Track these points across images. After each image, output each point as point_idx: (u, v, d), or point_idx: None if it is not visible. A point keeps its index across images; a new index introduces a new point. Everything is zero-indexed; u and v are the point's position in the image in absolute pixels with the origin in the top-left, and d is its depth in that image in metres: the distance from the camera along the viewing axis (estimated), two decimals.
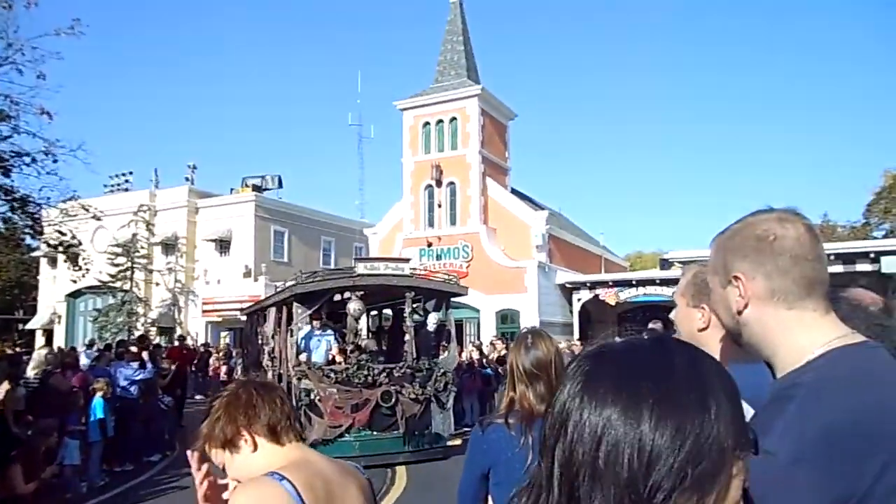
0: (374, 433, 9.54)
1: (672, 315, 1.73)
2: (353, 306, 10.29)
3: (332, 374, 9.63)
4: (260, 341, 12.88)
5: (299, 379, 9.52)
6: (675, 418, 0.61)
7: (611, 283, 23.99)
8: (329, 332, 10.80)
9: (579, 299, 24.14)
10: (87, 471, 8.75)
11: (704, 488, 0.60)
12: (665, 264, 23.83)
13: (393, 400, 9.57)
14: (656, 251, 48.14)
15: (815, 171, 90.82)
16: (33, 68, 14.65)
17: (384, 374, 9.73)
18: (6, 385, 7.52)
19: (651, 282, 22.77)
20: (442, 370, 10.34)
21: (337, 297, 11.20)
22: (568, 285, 24.55)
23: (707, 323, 1.56)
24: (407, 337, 10.48)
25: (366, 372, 9.64)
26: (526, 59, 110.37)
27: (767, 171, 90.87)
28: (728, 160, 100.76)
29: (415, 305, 10.94)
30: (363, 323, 13.14)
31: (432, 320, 11.25)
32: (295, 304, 10.07)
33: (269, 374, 10.80)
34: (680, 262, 19.77)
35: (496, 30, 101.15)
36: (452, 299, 11.56)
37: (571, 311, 24.32)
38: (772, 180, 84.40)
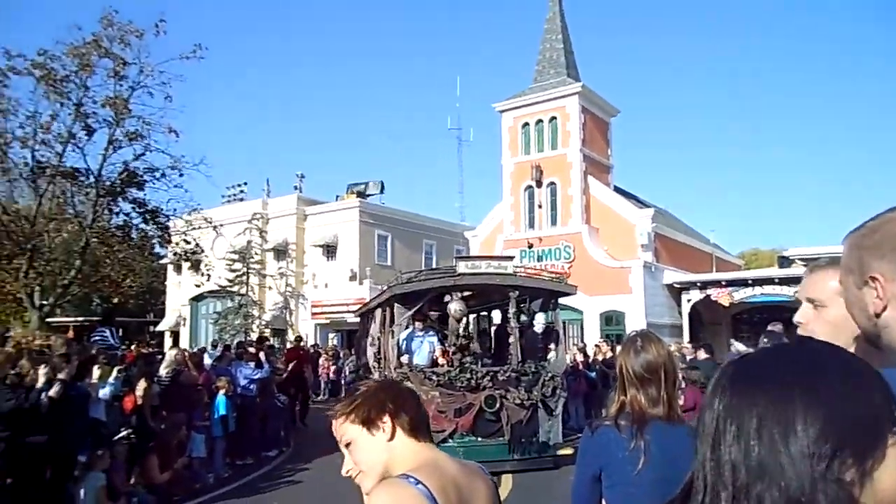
0: (479, 439, 9.21)
1: (797, 316, 1.56)
2: (455, 307, 10.11)
3: (434, 377, 9.43)
4: (369, 343, 13.18)
5: (401, 381, 9.44)
6: (824, 404, 0.67)
7: (724, 283, 22.80)
8: (432, 332, 10.55)
9: (689, 300, 23.11)
10: (212, 463, 9.37)
11: (865, 455, 0.66)
12: (785, 262, 22.37)
13: (497, 405, 9.22)
14: (775, 248, 45.18)
15: None
16: (162, 91, 16.01)
17: (488, 377, 9.41)
18: (143, 382, 8.17)
19: (769, 281, 21.41)
20: (550, 374, 9.80)
21: (446, 299, 10.89)
22: (676, 285, 23.57)
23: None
24: (511, 339, 10.03)
25: (468, 375, 9.35)
26: (630, 52, 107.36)
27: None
28: (851, 155, 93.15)
29: (520, 306, 10.59)
30: (470, 324, 13.03)
31: (540, 321, 10.81)
32: (396, 304, 9.98)
33: (376, 375, 10.85)
34: (802, 260, 18.48)
35: (597, 23, 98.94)
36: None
37: (680, 313, 23.33)
38: None
